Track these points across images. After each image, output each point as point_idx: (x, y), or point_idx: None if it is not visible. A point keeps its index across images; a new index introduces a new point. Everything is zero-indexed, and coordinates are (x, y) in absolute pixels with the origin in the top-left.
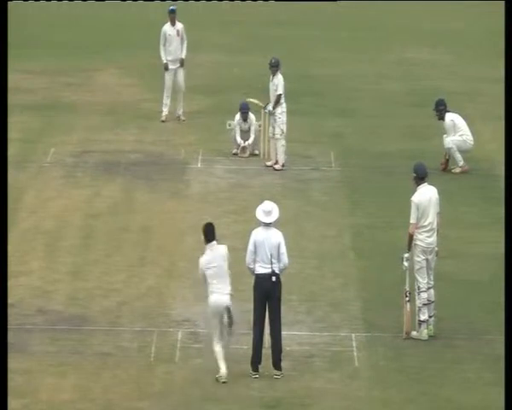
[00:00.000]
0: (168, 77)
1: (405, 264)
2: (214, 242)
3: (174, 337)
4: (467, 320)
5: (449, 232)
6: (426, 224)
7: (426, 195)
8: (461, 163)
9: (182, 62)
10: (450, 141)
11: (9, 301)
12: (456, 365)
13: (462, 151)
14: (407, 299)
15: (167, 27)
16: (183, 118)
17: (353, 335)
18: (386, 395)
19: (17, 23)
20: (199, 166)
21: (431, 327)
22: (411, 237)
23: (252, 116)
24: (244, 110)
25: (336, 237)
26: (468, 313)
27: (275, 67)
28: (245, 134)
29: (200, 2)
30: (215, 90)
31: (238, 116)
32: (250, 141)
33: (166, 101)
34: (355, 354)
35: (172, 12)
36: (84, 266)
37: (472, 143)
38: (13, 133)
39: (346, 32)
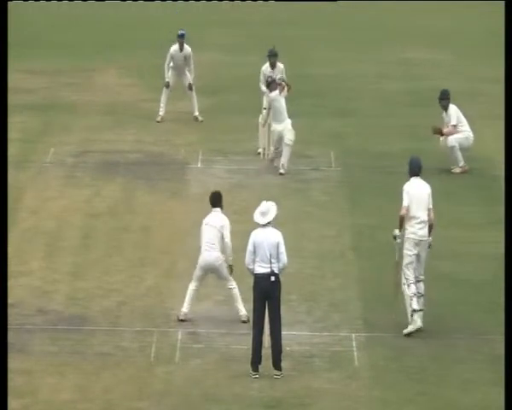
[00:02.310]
0: (172, 75)
1: (398, 241)
2: (218, 208)
3: (174, 337)
4: (467, 320)
5: (449, 232)
6: (417, 215)
7: (416, 186)
8: (461, 163)
9: (190, 87)
10: (453, 139)
11: (9, 301)
12: (456, 365)
13: (463, 149)
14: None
15: (175, 51)
16: (200, 118)
17: (353, 335)
18: (386, 395)
19: (17, 23)
20: (199, 166)
21: (420, 325)
22: (402, 219)
23: (280, 65)
24: (272, 53)
25: (336, 237)
26: (468, 313)
27: (274, 56)
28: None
29: (200, 2)
30: (215, 90)
31: (267, 65)
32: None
33: (165, 100)
34: (355, 354)
35: (181, 37)
36: (84, 266)
37: (472, 139)
38: (13, 133)
39: (346, 32)
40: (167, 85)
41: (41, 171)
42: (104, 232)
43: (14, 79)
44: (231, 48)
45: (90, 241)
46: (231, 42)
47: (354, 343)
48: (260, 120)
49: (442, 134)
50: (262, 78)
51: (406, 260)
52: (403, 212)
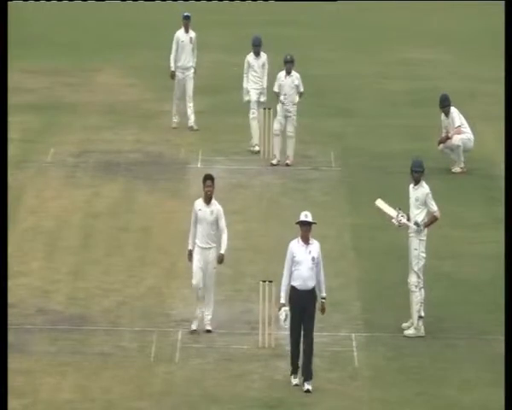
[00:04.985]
0: (177, 85)
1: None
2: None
3: (174, 337)
4: (467, 320)
5: (449, 232)
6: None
7: None
8: (462, 164)
9: (194, 70)
10: (459, 139)
11: (9, 301)
12: (456, 365)
13: (465, 150)
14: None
15: (180, 34)
16: (195, 127)
17: (353, 335)
18: (386, 395)
19: (17, 23)
20: (199, 166)
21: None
22: (436, 221)
23: (264, 54)
24: (256, 44)
25: (336, 237)
26: (468, 313)
27: (290, 62)
28: (259, 78)
29: (200, 2)
30: (215, 90)
31: (252, 55)
32: (264, 83)
33: (177, 108)
34: (355, 354)
35: (187, 18)
36: (84, 266)
37: (473, 141)
38: (13, 133)
39: (346, 32)
40: (172, 76)
41: (41, 171)
42: (104, 232)
43: (14, 79)
44: (231, 48)
45: (90, 241)
46: (231, 42)
47: (354, 343)
48: (251, 115)
49: (447, 138)
50: (246, 66)
51: (421, 262)
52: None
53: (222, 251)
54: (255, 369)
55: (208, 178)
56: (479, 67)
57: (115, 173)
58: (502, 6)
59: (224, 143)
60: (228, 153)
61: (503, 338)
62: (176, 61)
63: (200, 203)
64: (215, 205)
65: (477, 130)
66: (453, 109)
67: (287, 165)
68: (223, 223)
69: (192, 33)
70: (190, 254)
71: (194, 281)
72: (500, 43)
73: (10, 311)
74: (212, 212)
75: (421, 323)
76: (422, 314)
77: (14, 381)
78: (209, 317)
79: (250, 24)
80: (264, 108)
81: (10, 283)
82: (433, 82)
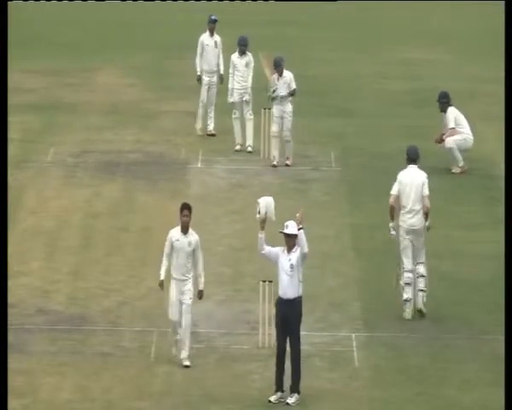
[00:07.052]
0: (204, 89)
1: (393, 232)
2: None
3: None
4: (467, 320)
5: (449, 232)
6: (406, 204)
7: (410, 174)
8: (461, 164)
9: (221, 78)
10: (451, 141)
11: (9, 301)
12: (456, 365)
13: (462, 150)
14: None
15: (205, 37)
16: (213, 132)
17: (353, 335)
18: (386, 395)
19: (17, 23)
20: (199, 166)
21: (420, 307)
22: (392, 208)
23: (250, 54)
24: (242, 43)
25: (336, 237)
26: (468, 313)
27: (279, 66)
28: (242, 78)
29: (200, 2)
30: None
31: (236, 54)
32: (249, 82)
33: (201, 114)
34: (355, 354)
35: (214, 22)
36: (84, 266)
37: (472, 141)
38: (13, 133)
39: (346, 32)
40: (199, 79)
41: (41, 171)
42: (104, 232)
43: (14, 79)
44: (231, 48)
45: (90, 241)
46: (231, 42)
47: (354, 343)
48: (233, 115)
49: (443, 140)
50: (231, 66)
51: (401, 246)
52: (390, 200)
53: (201, 287)
54: (255, 369)
55: (185, 207)
56: (479, 67)
57: (115, 173)
58: (502, 6)
59: (224, 143)
60: (228, 153)
61: (503, 338)
62: (201, 66)
63: (176, 233)
64: (193, 235)
65: (477, 130)
66: (450, 110)
67: (286, 165)
68: (199, 253)
69: (217, 37)
70: (162, 284)
71: (170, 315)
72: (500, 43)
73: (10, 311)
74: (189, 243)
75: (406, 306)
76: (405, 297)
77: (14, 381)
78: (186, 353)
79: (250, 24)
80: (264, 108)
81: (10, 283)
82: (433, 82)
